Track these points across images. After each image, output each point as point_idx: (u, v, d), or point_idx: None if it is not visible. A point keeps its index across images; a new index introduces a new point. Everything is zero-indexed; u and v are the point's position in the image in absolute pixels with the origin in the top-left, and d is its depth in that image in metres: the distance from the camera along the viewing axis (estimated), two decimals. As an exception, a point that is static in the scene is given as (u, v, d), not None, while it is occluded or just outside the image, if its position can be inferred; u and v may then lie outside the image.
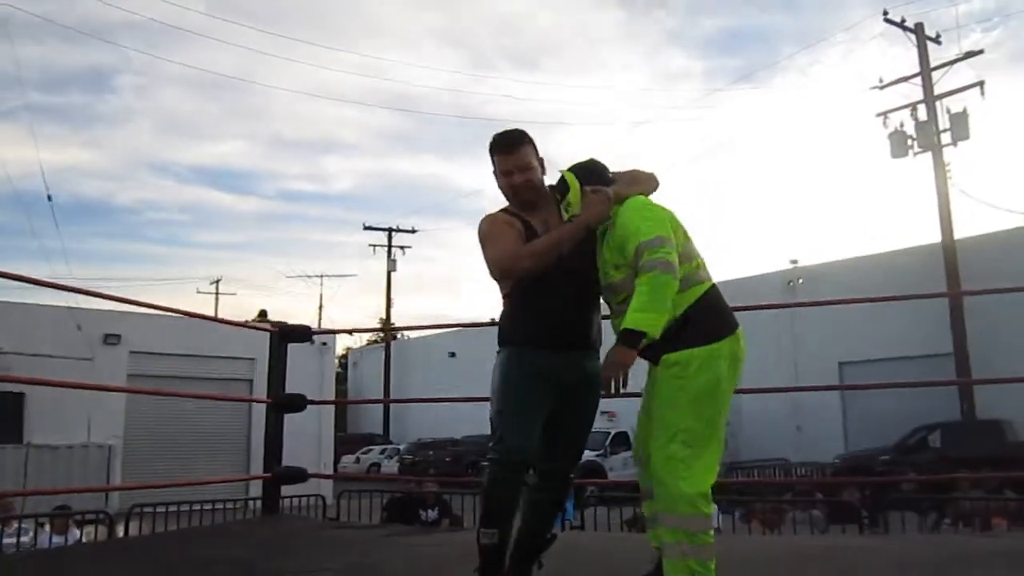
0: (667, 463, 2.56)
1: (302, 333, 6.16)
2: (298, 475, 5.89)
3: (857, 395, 22.74)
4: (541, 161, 3.04)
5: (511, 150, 2.96)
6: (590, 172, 2.89)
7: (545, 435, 2.84)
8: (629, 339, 2.56)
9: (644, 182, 2.89)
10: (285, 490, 6.55)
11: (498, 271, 2.89)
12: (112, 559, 4.31)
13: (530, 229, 2.94)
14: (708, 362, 2.62)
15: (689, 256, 2.74)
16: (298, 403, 5.93)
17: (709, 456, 2.61)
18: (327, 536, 5.17)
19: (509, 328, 2.96)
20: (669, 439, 2.58)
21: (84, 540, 7.13)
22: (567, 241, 2.80)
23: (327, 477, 6.08)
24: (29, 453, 14.42)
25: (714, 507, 2.84)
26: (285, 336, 6.01)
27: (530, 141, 3.01)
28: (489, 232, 2.97)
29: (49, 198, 16.55)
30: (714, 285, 2.81)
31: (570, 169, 2.94)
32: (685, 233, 2.82)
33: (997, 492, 9.06)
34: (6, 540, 6.41)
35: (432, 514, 9.29)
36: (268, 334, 6.00)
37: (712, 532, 2.57)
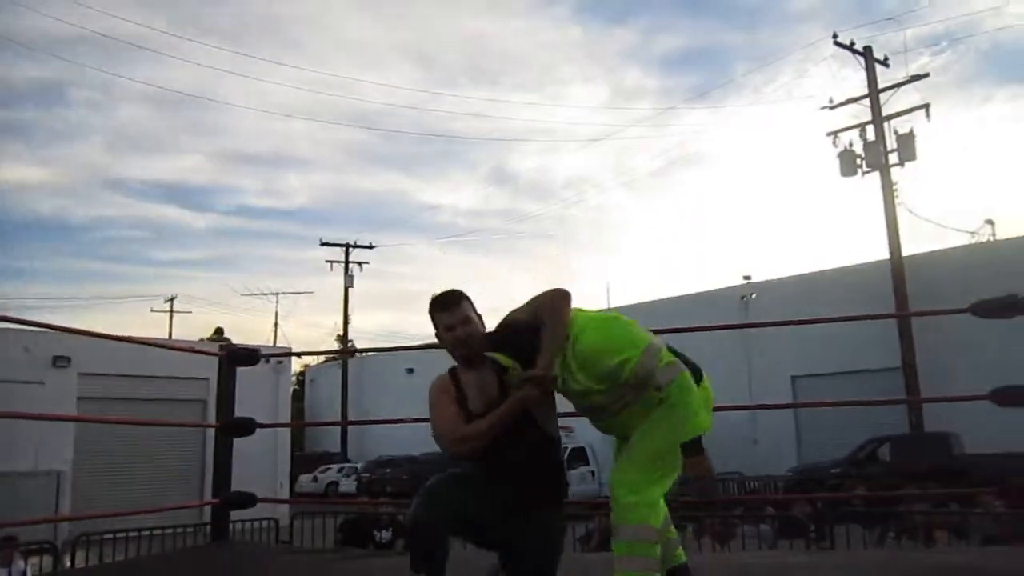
0: (623, 477, 2.72)
1: (250, 356, 6.12)
2: (247, 500, 5.82)
3: (810, 408, 23.13)
4: (479, 316, 3.18)
5: (450, 307, 3.12)
6: (521, 341, 2.91)
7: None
8: (697, 445, 2.77)
9: (560, 311, 2.88)
10: (238, 514, 6.48)
11: (442, 448, 3.03)
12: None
13: (461, 394, 3.07)
14: (685, 396, 2.79)
15: (650, 339, 2.90)
16: (248, 427, 5.87)
17: (663, 480, 2.76)
18: (276, 563, 5.12)
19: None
20: (632, 459, 2.75)
21: (29, 572, 6.96)
22: (500, 424, 2.91)
23: (276, 501, 6.02)
24: (-26, 480, 14.05)
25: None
26: (233, 360, 5.97)
27: (467, 298, 3.17)
28: (432, 403, 3.11)
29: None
30: (670, 349, 2.95)
31: (498, 338, 3.02)
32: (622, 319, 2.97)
33: (942, 505, 9.29)
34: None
35: (386, 535, 9.27)
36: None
37: (658, 546, 2.69)
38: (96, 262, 72.26)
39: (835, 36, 21.16)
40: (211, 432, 5.93)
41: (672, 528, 3.09)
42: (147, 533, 7.18)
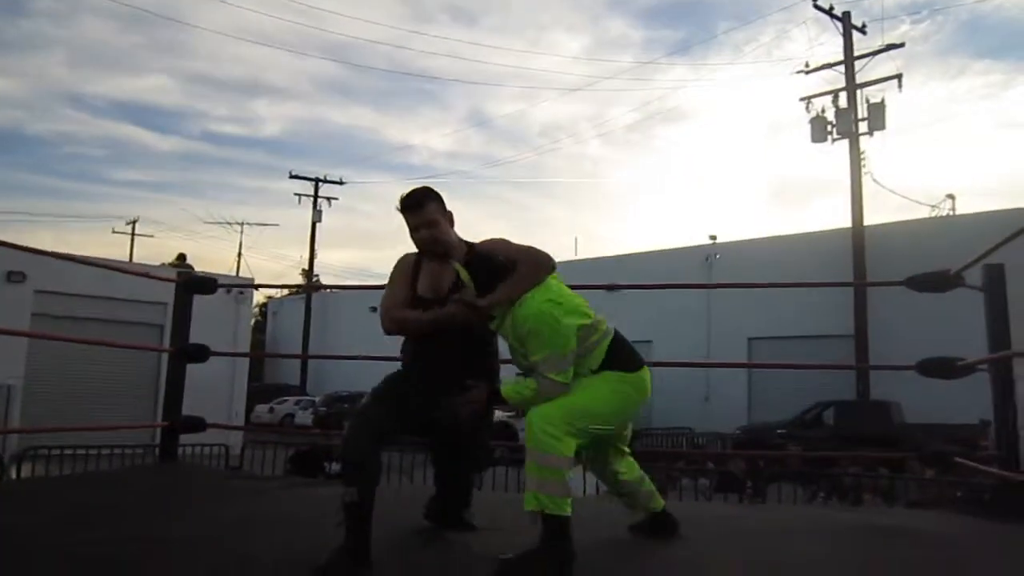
0: (550, 421, 2.84)
1: (208, 284, 6.15)
2: (197, 424, 5.91)
3: (763, 370, 23.68)
4: (450, 216, 3.29)
5: (416, 209, 3.21)
6: (488, 270, 3.05)
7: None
8: (498, 399, 3.06)
9: (533, 274, 3.04)
10: (190, 439, 6.54)
11: (380, 317, 3.29)
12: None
13: (416, 278, 3.28)
14: (628, 380, 3.05)
15: (594, 324, 3.05)
16: (201, 354, 5.93)
17: (579, 431, 2.90)
18: (219, 485, 5.23)
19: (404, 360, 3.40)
20: (561, 409, 2.89)
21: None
22: (429, 326, 3.19)
23: (226, 428, 6.10)
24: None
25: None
26: (189, 287, 6.00)
27: (435, 198, 3.25)
28: (391, 278, 3.35)
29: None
30: (615, 332, 3.11)
31: (476, 255, 3.14)
32: (583, 302, 3.10)
33: (873, 470, 9.66)
34: None
35: (335, 467, 9.41)
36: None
37: (566, 472, 2.83)
38: (54, 178, 70.76)
39: (814, -1, 21.12)
40: (166, 356, 5.96)
41: (647, 479, 3.35)
42: (95, 452, 7.24)
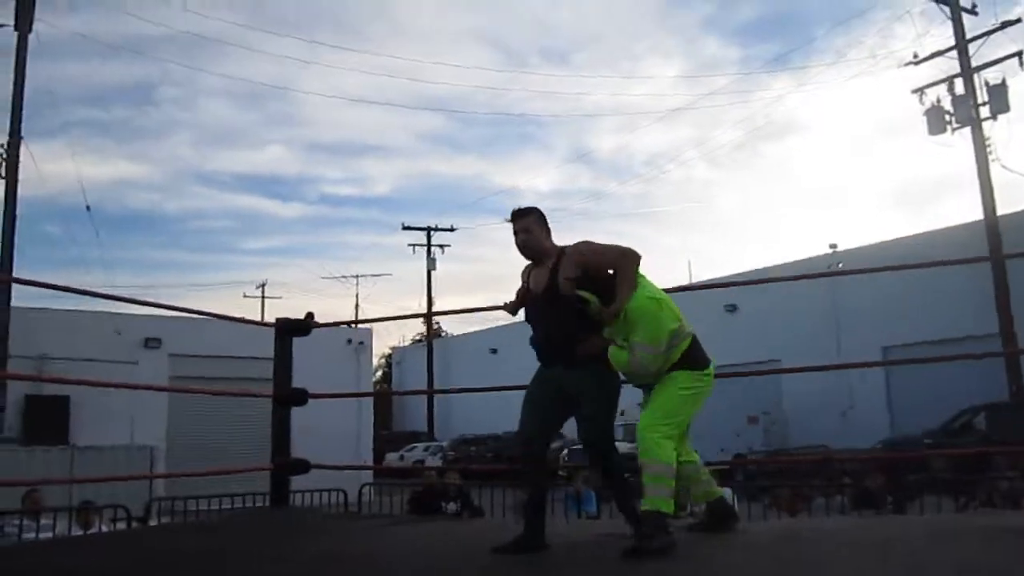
0: (651, 427, 3.57)
1: (304, 326, 6.25)
2: (302, 466, 5.97)
3: (903, 378, 22.25)
4: (548, 230, 4.00)
5: (516, 218, 3.97)
6: (596, 283, 3.73)
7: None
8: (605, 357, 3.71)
9: (633, 274, 3.72)
10: (307, 484, 6.62)
11: None
12: (95, 548, 4.43)
13: (525, 280, 4.05)
14: (701, 379, 3.71)
15: (681, 327, 3.69)
16: (300, 398, 6.00)
17: (672, 432, 3.61)
18: (331, 526, 5.25)
19: None
20: (656, 414, 3.61)
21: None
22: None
23: (331, 468, 6.15)
24: (74, 454, 14.87)
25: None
26: (286, 330, 6.11)
27: (534, 212, 3.99)
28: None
29: (88, 208, 17.01)
30: (694, 336, 3.75)
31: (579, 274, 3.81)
32: (671, 303, 3.78)
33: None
34: (28, 534, 6.63)
35: (454, 506, 9.35)
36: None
37: (671, 479, 3.48)
38: (187, 252, 75.20)
39: (919, -14, 20.08)
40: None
41: (705, 468, 3.93)
42: (216, 500, 7.44)
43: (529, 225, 3.95)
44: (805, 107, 71.50)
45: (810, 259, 25.89)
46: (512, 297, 4.14)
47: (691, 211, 71.82)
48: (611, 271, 3.78)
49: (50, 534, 6.83)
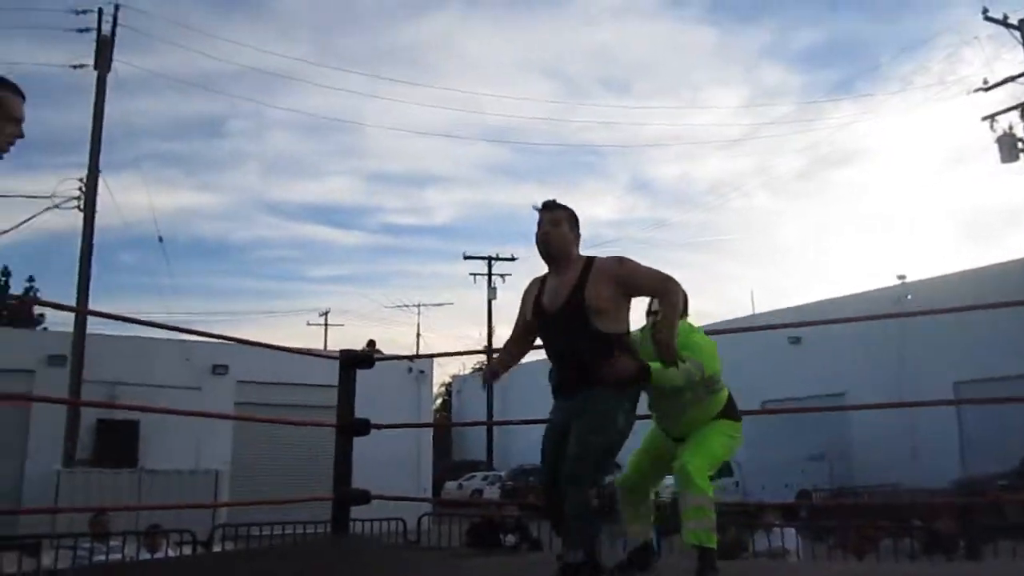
0: (698, 468, 3.53)
1: (367, 359, 6.37)
2: (363, 496, 6.04)
3: (976, 415, 21.45)
4: (578, 236, 3.64)
5: (548, 208, 3.63)
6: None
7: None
8: (646, 374, 3.47)
9: (678, 304, 3.43)
10: (367, 513, 6.70)
11: None
12: (165, 573, 4.55)
13: (538, 299, 3.60)
14: (738, 431, 3.77)
15: (719, 373, 3.67)
16: (363, 428, 6.10)
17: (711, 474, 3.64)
18: (389, 557, 5.31)
19: None
20: (701, 452, 3.57)
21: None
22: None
23: (390, 499, 6.26)
24: (142, 477, 15.32)
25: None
26: (351, 363, 6.23)
27: (567, 210, 3.62)
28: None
29: (160, 239, 17.66)
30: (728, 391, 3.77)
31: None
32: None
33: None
34: (98, 556, 6.84)
35: (512, 538, 9.32)
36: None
37: (714, 511, 3.49)
38: (254, 280, 76.87)
39: (985, 11, 19.67)
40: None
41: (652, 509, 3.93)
42: (279, 529, 7.58)
43: (560, 219, 3.57)
44: (870, 135, 70.03)
45: (878, 290, 25.27)
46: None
47: (753, 241, 70.79)
48: (651, 297, 3.60)
49: (119, 556, 7.03)
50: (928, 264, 71.39)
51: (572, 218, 3.60)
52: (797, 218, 67.17)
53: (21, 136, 2.72)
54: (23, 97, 2.70)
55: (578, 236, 3.61)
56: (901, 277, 25.28)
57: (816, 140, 70.93)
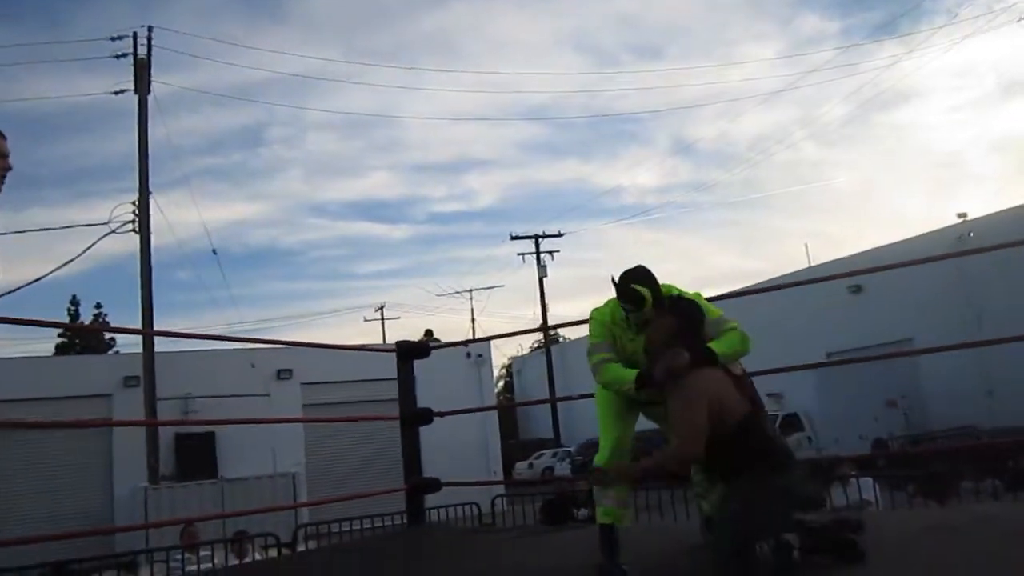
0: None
1: (422, 349, 6.44)
2: (434, 484, 6.13)
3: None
4: (656, 299, 3.55)
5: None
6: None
7: None
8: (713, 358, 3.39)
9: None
10: (440, 500, 6.80)
11: None
12: None
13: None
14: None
15: None
16: (426, 417, 6.18)
17: None
18: (465, 541, 5.38)
19: None
20: None
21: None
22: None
23: (465, 484, 6.35)
24: (224, 487, 15.77)
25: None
26: (407, 354, 6.30)
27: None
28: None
29: (214, 252, 17.99)
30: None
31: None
32: None
33: None
34: (190, 567, 7.07)
35: (585, 512, 9.38)
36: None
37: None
38: (307, 282, 78.03)
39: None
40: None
41: None
42: (357, 524, 7.72)
43: (647, 317, 3.51)
44: (917, 73, 67.94)
45: (939, 231, 24.59)
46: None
47: (803, 192, 69.41)
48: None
49: (210, 565, 7.25)
50: (988, 200, 69.15)
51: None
52: (847, 166, 65.66)
53: (10, 168, 3.00)
54: (3, 136, 2.98)
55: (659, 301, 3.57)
56: (961, 215, 24.57)
57: (860, 84, 69.18)
